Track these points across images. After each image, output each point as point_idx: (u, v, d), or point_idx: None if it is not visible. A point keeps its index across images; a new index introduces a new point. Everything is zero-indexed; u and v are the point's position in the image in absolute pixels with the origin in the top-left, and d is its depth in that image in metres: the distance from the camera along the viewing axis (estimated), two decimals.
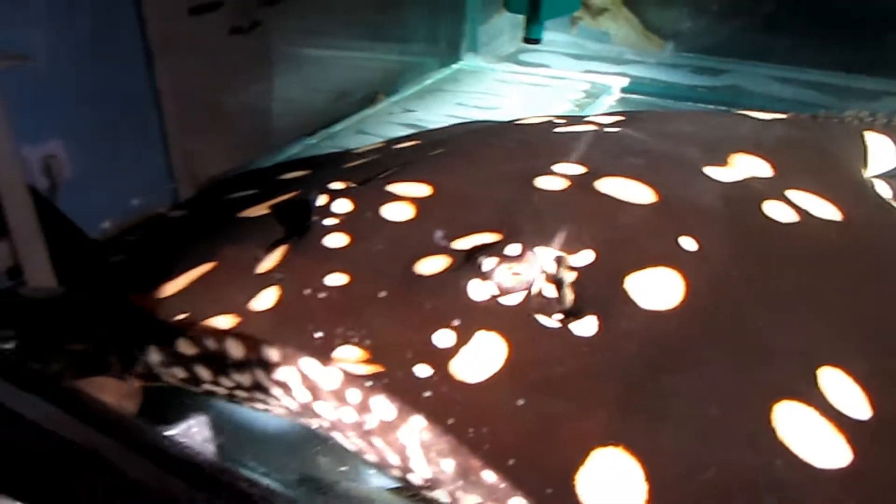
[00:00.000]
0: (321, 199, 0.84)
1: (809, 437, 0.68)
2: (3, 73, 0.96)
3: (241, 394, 0.73)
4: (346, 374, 0.63)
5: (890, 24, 1.98)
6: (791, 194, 0.95)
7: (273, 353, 0.66)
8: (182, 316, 0.84)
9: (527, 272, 0.73)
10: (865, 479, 0.67)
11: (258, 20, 1.38)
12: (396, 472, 0.65)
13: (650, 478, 0.64)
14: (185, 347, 0.72)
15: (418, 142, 1.31)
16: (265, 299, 0.80)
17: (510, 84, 1.95)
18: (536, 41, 1.42)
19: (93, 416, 0.67)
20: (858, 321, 0.81)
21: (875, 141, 1.33)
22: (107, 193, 1.16)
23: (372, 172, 0.99)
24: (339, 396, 0.64)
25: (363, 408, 0.63)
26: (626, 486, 0.63)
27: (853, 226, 0.93)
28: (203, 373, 0.73)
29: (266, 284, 0.81)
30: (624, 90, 1.97)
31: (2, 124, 0.94)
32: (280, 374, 0.66)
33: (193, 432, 0.79)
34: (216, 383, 0.73)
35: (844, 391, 0.73)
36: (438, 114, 1.70)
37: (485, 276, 0.72)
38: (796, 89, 2.03)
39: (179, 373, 0.75)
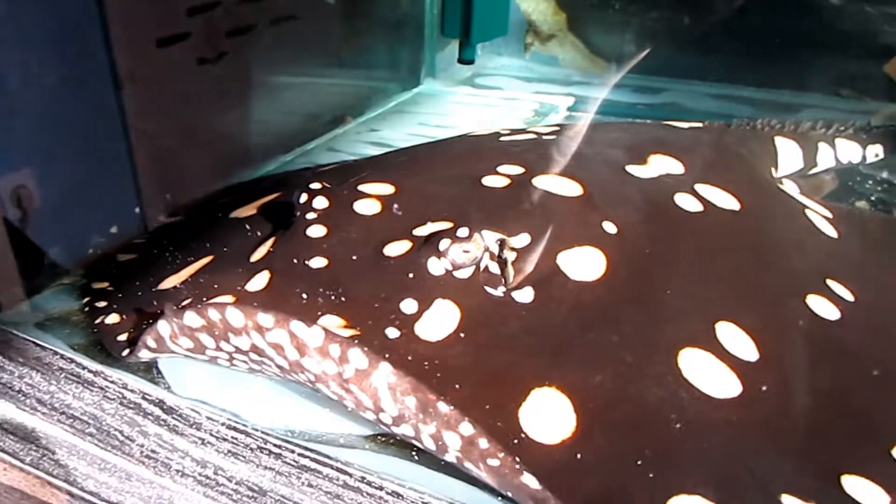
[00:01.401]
0: (303, 197, 0.99)
1: (708, 374, 0.85)
2: None
3: (240, 357, 0.86)
4: (327, 332, 0.75)
5: (807, 44, 2.21)
6: (698, 188, 1.12)
7: (267, 320, 0.77)
8: (188, 300, 1.00)
9: (474, 250, 0.89)
10: (752, 405, 0.83)
11: (225, 51, 1.45)
12: (370, 414, 0.78)
13: (578, 410, 0.79)
14: (192, 320, 0.83)
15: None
16: (258, 282, 0.95)
17: (467, 105, 2.13)
18: (470, 62, 1.58)
19: None
20: (748, 285, 0.98)
21: (784, 145, 1.53)
22: (77, 222, 1.20)
23: (346, 176, 1.15)
24: (322, 351, 0.76)
25: (342, 360, 0.75)
26: (559, 417, 0.78)
27: (748, 213, 1.11)
28: (207, 341, 0.85)
29: (259, 270, 0.97)
30: (570, 109, 2.16)
31: None
32: (273, 336, 0.78)
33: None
34: (219, 349, 0.85)
35: (736, 339, 0.90)
36: (402, 132, 1.87)
37: (441, 255, 0.88)
38: (727, 104, 2.23)
39: (186, 343, 0.87)
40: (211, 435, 0.89)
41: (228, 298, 0.94)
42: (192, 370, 1.00)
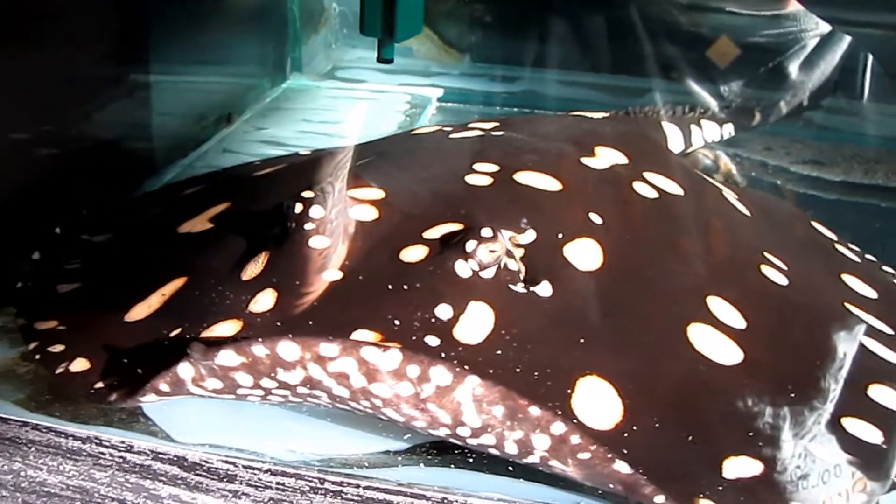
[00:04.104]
0: (298, 207, 0.94)
1: (714, 345, 0.93)
2: None
3: (280, 392, 0.79)
4: (406, 353, 0.72)
5: (643, 33, 2.40)
6: (647, 176, 1.21)
7: (331, 349, 0.72)
8: (177, 330, 0.91)
9: (499, 249, 0.89)
10: (753, 367, 0.92)
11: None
12: (444, 430, 0.76)
13: (621, 393, 0.84)
14: (229, 359, 0.75)
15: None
16: (264, 302, 0.90)
17: (340, 99, 2.10)
18: (390, 61, 1.58)
19: None
20: (716, 262, 1.09)
21: (669, 129, 1.68)
22: None
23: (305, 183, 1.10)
24: (397, 374, 0.72)
25: (422, 379, 0.72)
26: (606, 403, 0.82)
27: (691, 197, 1.21)
28: (244, 379, 0.77)
29: (259, 289, 0.91)
30: (440, 99, 2.19)
31: None
32: (338, 365, 0.72)
33: None
34: (257, 386, 0.77)
35: (725, 311, 0.99)
36: (290, 130, 1.80)
37: (468, 256, 0.88)
38: (578, 90, 2.38)
39: (214, 384, 0.78)
40: (248, 485, 0.81)
41: (232, 325, 0.88)
42: (183, 410, 0.90)
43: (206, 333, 0.88)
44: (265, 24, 2.04)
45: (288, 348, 0.73)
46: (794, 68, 2.24)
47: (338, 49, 2.43)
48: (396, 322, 0.84)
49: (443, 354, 0.81)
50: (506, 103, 2.26)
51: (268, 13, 2.06)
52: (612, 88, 2.38)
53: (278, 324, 0.86)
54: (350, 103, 2.07)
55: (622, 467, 0.74)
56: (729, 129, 1.89)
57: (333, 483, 0.80)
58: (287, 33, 2.14)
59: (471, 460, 0.85)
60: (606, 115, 1.60)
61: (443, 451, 0.87)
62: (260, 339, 0.74)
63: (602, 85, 2.42)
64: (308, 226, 0.93)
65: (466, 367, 0.74)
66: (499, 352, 0.84)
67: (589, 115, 1.56)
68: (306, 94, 2.10)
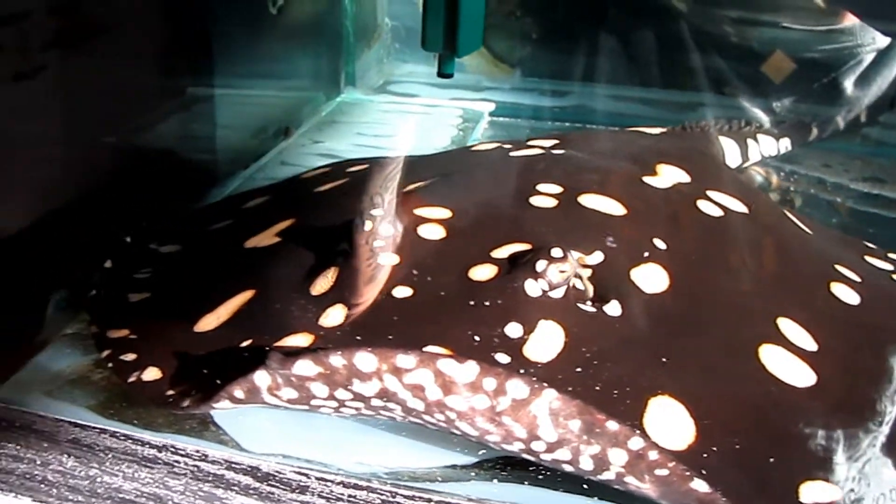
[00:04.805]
0: (368, 224, 0.95)
1: (786, 367, 0.92)
2: None
3: (353, 404, 0.79)
4: (483, 366, 0.71)
5: (693, 47, 2.38)
6: (710, 194, 1.20)
7: (408, 360, 0.72)
8: (248, 341, 0.93)
9: (569, 270, 0.90)
10: (827, 390, 0.91)
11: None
12: (519, 445, 0.76)
13: (693, 414, 0.83)
14: (306, 369, 0.75)
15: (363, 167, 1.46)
16: (334, 317, 0.91)
17: (393, 113, 2.12)
18: (450, 76, 1.60)
19: None
20: (785, 283, 1.07)
21: (727, 144, 1.66)
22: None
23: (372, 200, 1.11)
24: (473, 387, 0.71)
25: (498, 392, 0.71)
26: (678, 423, 0.82)
27: (756, 215, 1.20)
28: (319, 390, 0.77)
29: (329, 304, 0.92)
30: (491, 114, 2.20)
31: None
32: (413, 377, 0.72)
33: None
34: (331, 398, 0.78)
35: (796, 333, 0.97)
36: (346, 143, 1.83)
37: (539, 276, 0.88)
38: (629, 105, 2.37)
39: (289, 393, 0.79)
40: (320, 497, 0.81)
41: (303, 338, 0.89)
42: (254, 420, 0.93)
43: (277, 345, 0.89)
44: (320, 38, 2.07)
45: (365, 359, 0.73)
46: (850, 83, 2.20)
47: (390, 63, 2.45)
48: (466, 339, 0.85)
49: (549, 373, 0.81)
50: (557, 118, 2.25)
51: (323, 28, 2.09)
52: (663, 103, 2.37)
53: (358, 338, 0.86)
54: (403, 117, 2.09)
55: (700, 486, 0.73)
56: (786, 144, 1.87)
57: (405, 497, 0.81)
58: (341, 48, 2.16)
59: (541, 477, 0.85)
60: (664, 130, 1.59)
61: (516, 467, 0.87)
62: (338, 350, 0.74)
63: (653, 100, 2.40)
64: (378, 243, 0.94)
65: (548, 381, 0.74)
66: (569, 370, 0.84)
67: (646, 130, 1.56)
68: (360, 108, 2.13)
